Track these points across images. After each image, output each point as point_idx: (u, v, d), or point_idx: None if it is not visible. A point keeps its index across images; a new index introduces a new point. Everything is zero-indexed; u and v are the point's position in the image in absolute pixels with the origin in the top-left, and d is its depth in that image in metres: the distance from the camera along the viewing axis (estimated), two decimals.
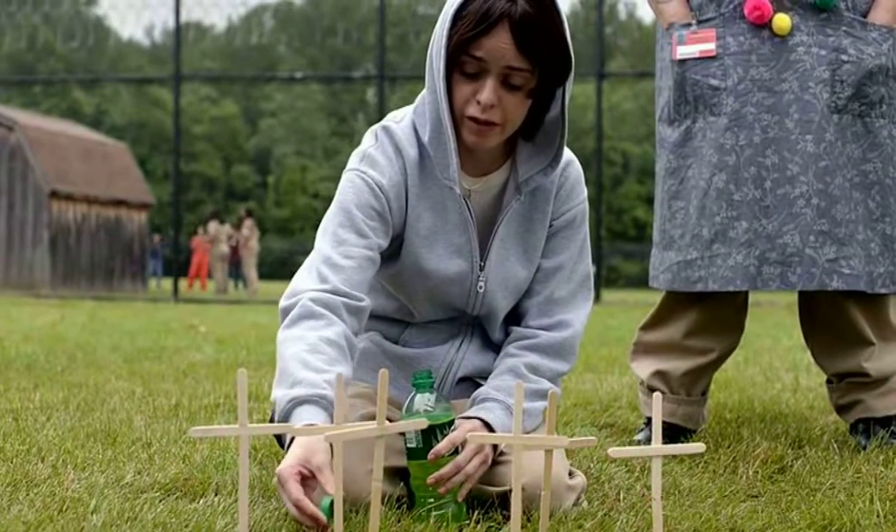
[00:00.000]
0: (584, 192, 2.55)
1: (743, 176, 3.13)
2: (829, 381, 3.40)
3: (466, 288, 2.45)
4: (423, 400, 2.23)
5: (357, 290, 2.29)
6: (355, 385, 2.45)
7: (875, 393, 3.26)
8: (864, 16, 3.17)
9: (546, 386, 2.42)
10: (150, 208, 27.14)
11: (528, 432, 2.37)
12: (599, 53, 18.55)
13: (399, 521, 2.14)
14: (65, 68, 48.38)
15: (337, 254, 2.31)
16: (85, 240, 23.36)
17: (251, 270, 23.06)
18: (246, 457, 1.87)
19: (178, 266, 20.91)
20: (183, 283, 23.59)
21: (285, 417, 2.13)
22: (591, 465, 2.81)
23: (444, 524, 2.15)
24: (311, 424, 2.05)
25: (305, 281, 2.30)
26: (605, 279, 26.01)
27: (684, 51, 3.21)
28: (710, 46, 3.18)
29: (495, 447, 2.29)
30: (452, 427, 2.26)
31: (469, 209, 2.41)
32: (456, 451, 2.22)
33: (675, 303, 3.34)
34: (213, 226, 24.16)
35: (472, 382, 2.52)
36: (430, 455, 2.19)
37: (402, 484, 2.31)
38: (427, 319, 2.52)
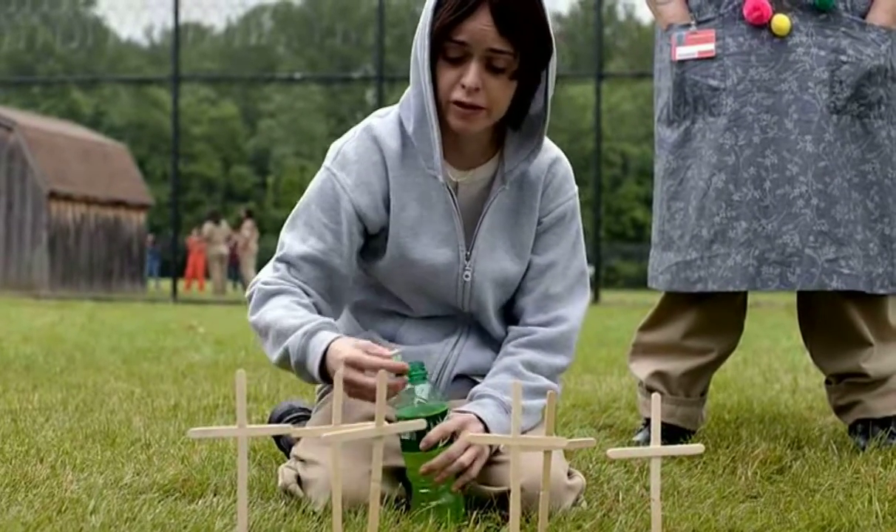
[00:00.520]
0: (574, 188, 2.57)
1: (742, 176, 3.13)
2: (827, 382, 3.40)
3: (453, 278, 2.47)
4: (418, 391, 2.23)
5: (310, 286, 2.40)
6: None
7: (874, 394, 3.26)
8: (863, 17, 3.17)
9: (544, 383, 2.43)
10: (149, 209, 27.13)
11: (526, 430, 2.38)
12: (598, 54, 18.57)
13: (398, 522, 2.14)
14: (64, 69, 48.39)
15: (294, 252, 2.41)
16: (84, 240, 23.34)
17: (250, 271, 23.04)
18: (245, 458, 1.87)
19: (176, 267, 20.91)
20: (182, 284, 23.58)
21: (303, 350, 2.26)
22: (590, 466, 2.81)
23: (444, 525, 2.15)
24: (334, 339, 2.24)
25: (266, 272, 2.44)
26: (604, 280, 26.00)
27: (683, 51, 3.21)
28: (709, 47, 3.18)
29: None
30: (447, 417, 2.26)
31: (453, 199, 2.44)
32: (450, 441, 2.23)
33: (674, 303, 3.34)
34: (207, 226, 24.15)
35: (468, 380, 2.52)
36: (422, 444, 2.21)
37: (400, 484, 2.31)
38: (422, 314, 2.53)
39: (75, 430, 3.27)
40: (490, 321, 2.54)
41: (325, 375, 2.26)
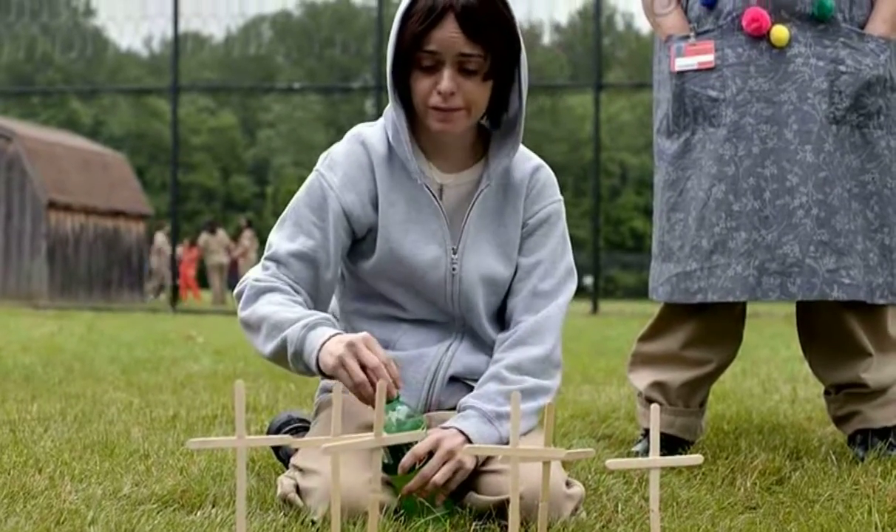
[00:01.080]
0: (557, 194, 2.64)
1: (742, 187, 3.13)
2: (826, 393, 3.40)
3: (442, 274, 2.51)
4: (395, 416, 2.26)
5: (298, 284, 2.46)
6: (349, 393, 2.46)
7: (873, 404, 3.26)
8: (862, 27, 3.17)
9: (530, 383, 2.44)
10: (149, 219, 27.12)
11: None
12: (597, 64, 18.57)
13: None
14: (63, 79, 48.39)
15: (283, 250, 2.47)
16: (83, 250, 23.33)
17: None
18: (243, 469, 1.86)
19: (174, 277, 20.90)
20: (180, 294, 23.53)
21: (301, 343, 2.31)
22: (589, 477, 2.81)
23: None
24: (331, 337, 2.29)
25: (255, 271, 2.49)
26: (603, 290, 25.99)
27: (683, 63, 3.22)
28: (708, 58, 3.18)
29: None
30: (425, 435, 2.28)
31: (437, 200, 2.50)
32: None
33: (673, 314, 3.34)
34: (203, 237, 24.14)
35: (462, 383, 2.54)
36: (399, 470, 2.25)
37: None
38: (415, 316, 2.56)
39: (74, 441, 3.26)
40: (482, 325, 2.56)
41: (320, 369, 2.32)
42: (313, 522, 2.22)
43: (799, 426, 3.89)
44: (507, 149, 2.53)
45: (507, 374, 2.43)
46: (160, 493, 2.50)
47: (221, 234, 24.65)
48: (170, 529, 2.16)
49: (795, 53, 3.12)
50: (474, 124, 2.51)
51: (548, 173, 2.62)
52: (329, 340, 2.30)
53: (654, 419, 1.88)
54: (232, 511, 2.33)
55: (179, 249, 25.04)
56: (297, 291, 2.45)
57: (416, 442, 2.24)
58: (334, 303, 2.66)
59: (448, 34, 2.36)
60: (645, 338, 3.42)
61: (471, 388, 2.49)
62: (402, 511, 2.27)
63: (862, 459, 3.14)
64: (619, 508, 2.44)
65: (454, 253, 2.52)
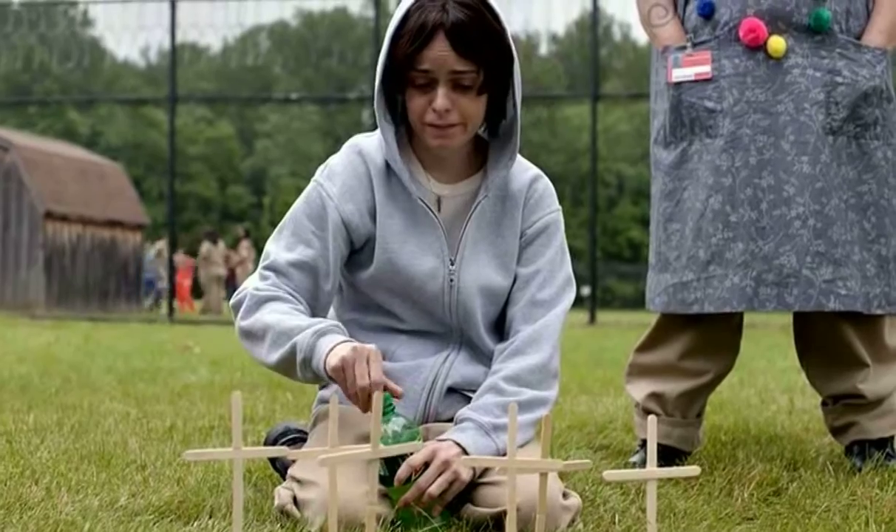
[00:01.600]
0: (556, 204, 2.64)
1: (739, 197, 3.13)
2: (824, 403, 3.40)
3: (440, 284, 2.51)
4: (391, 428, 2.26)
5: (298, 293, 2.45)
6: (347, 403, 2.46)
7: (870, 415, 3.26)
8: (858, 38, 3.18)
9: (527, 395, 2.43)
10: (146, 229, 27.11)
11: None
12: (594, 75, 18.60)
13: None
14: (60, 89, 48.35)
15: (282, 259, 2.46)
16: (80, 260, 23.33)
17: None
18: (240, 480, 1.86)
19: (172, 287, 20.89)
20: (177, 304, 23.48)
21: (311, 350, 2.31)
22: (587, 488, 2.80)
23: None
24: (341, 343, 2.30)
25: (253, 280, 2.48)
26: (600, 300, 25.99)
27: (680, 73, 3.22)
28: (705, 69, 3.18)
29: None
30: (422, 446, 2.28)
31: (433, 213, 2.50)
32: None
33: (670, 324, 3.34)
34: (205, 246, 24.11)
35: (460, 395, 2.54)
36: (395, 482, 2.25)
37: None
38: (413, 327, 2.55)
39: (70, 452, 3.26)
40: (481, 336, 2.56)
41: (327, 372, 2.32)
42: None
43: (796, 437, 3.89)
44: (504, 159, 2.53)
45: (504, 386, 2.43)
46: (157, 504, 2.50)
47: (221, 244, 24.63)
48: None
49: (792, 64, 3.13)
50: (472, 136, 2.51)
51: (546, 183, 2.62)
52: (338, 345, 2.31)
53: (652, 430, 1.88)
54: (228, 522, 2.32)
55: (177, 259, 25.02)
56: (298, 301, 2.45)
57: (413, 453, 2.24)
58: (332, 313, 2.65)
59: (439, 53, 2.36)
60: (642, 348, 3.42)
61: (469, 400, 2.48)
62: (399, 522, 2.27)
63: (859, 470, 3.13)
64: (617, 519, 2.44)
65: (452, 264, 2.51)
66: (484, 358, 2.56)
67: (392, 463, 2.25)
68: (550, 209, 2.60)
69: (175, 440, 3.60)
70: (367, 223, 2.50)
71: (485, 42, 2.37)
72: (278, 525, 2.30)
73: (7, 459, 3.08)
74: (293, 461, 2.49)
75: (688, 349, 3.31)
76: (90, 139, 46.39)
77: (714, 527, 2.39)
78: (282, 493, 2.39)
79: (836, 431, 3.36)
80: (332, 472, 1.90)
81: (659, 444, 3.08)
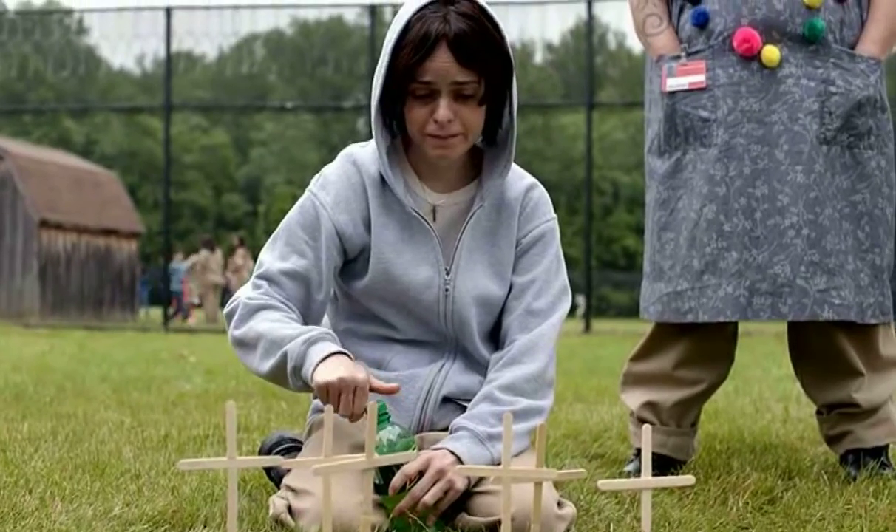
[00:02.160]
0: (551, 213, 2.63)
1: (733, 207, 3.13)
2: (818, 412, 3.40)
3: (435, 294, 2.51)
4: (386, 436, 2.26)
5: (291, 302, 2.46)
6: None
7: (865, 424, 3.26)
8: (852, 48, 3.18)
9: (523, 404, 2.43)
10: (141, 237, 27.07)
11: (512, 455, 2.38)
12: (589, 83, 18.62)
13: None
14: (55, 97, 48.33)
15: (275, 268, 2.47)
16: (74, 269, 23.30)
17: None
18: (234, 489, 1.86)
19: (167, 296, 20.87)
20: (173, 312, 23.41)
21: (302, 357, 2.30)
22: (581, 497, 2.80)
23: None
24: (332, 354, 2.29)
25: (246, 289, 2.48)
26: (595, 309, 25.98)
27: (674, 83, 3.22)
28: (699, 78, 3.19)
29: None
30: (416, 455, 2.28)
31: (429, 223, 2.50)
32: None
33: (665, 333, 3.34)
34: (203, 254, 24.06)
35: (455, 404, 2.53)
36: (390, 491, 2.25)
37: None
38: (408, 336, 2.55)
39: (65, 461, 3.25)
40: (476, 346, 2.56)
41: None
42: None
43: (791, 446, 3.89)
44: (500, 168, 2.52)
45: (499, 395, 2.43)
46: (151, 514, 2.49)
47: (219, 252, 24.58)
48: None
49: (786, 74, 3.13)
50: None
51: (541, 192, 2.62)
52: (328, 358, 2.30)
53: (647, 439, 1.88)
54: None
55: (183, 266, 24.96)
56: (290, 309, 2.45)
57: (408, 462, 2.24)
58: (326, 321, 2.65)
59: (442, 64, 2.35)
60: (637, 357, 3.42)
61: (464, 409, 2.48)
62: (393, 531, 2.27)
63: (854, 479, 3.14)
64: (611, 529, 2.44)
65: (447, 273, 2.51)
66: (479, 367, 2.56)
67: (387, 472, 2.25)
68: (546, 218, 2.60)
69: (170, 449, 3.59)
70: (361, 233, 2.49)
71: (486, 52, 2.37)
72: None
73: (1, 469, 3.08)
74: (288, 470, 2.49)
75: (682, 358, 3.32)
76: (85, 147, 46.34)
77: None
78: (276, 503, 2.39)
79: (831, 440, 3.36)
80: (327, 482, 1.89)
81: (654, 453, 3.08)
